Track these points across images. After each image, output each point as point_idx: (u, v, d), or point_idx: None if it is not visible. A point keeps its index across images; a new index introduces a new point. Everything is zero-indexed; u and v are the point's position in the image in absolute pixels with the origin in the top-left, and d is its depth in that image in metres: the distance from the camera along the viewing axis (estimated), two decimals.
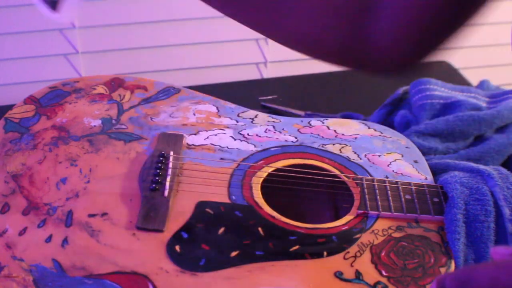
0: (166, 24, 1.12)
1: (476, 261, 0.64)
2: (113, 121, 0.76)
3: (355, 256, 0.63)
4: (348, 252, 0.64)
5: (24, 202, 0.65)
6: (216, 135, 0.76)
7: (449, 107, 0.90)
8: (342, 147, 0.76)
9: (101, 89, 0.80)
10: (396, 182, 0.71)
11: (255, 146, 0.75)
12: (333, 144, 0.77)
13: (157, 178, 0.68)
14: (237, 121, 0.78)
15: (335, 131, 0.79)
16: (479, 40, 1.24)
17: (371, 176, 0.73)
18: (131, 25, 1.11)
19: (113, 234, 0.63)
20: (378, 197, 0.69)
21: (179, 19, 1.12)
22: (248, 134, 0.77)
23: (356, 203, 0.69)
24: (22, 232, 0.62)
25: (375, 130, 0.80)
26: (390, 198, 0.69)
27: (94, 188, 0.67)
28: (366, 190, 0.70)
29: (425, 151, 0.81)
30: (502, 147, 0.83)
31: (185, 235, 0.63)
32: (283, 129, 0.78)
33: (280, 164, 0.73)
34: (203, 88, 0.87)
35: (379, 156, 0.76)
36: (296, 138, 0.77)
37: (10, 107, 0.77)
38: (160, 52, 1.15)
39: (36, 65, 1.09)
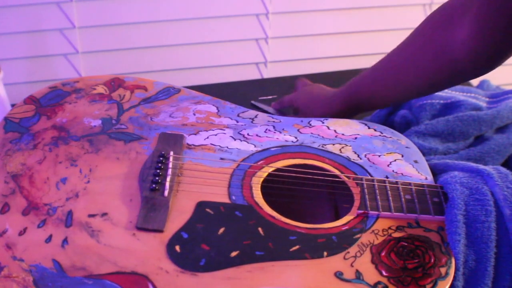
0: (166, 24, 1.12)
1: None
2: (113, 121, 0.76)
3: (355, 256, 0.63)
4: (348, 252, 0.63)
5: (24, 202, 0.65)
6: (216, 135, 0.76)
7: (449, 107, 0.90)
8: (342, 147, 0.76)
9: (101, 89, 0.80)
10: (396, 182, 0.71)
11: (255, 146, 0.75)
12: (333, 144, 0.77)
13: (157, 178, 0.68)
14: (237, 121, 0.78)
15: (335, 131, 0.79)
16: None
17: (371, 176, 0.73)
18: (131, 25, 1.11)
19: (113, 234, 0.63)
20: (378, 197, 0.69)
21: (179, 19, 1.12)
22: (248, 134, 0.77)
23: (356, 203, 0.69)
24: (22, 232, 0.62)
25: (375, 130, 0.80)
26: (390, 198, 0.69)
27: (94, 188, 0.67)
28: (366, 190, 0.70)
29: (425, 152, 0.81)
30: (502, 147, 0.83)
31: (185, 235, 0.63)
32: (283, 129, 0.78)
33: (280, 164, 0.73)
34: (203, 88, 0.87)
35: (379, 156, 0.76)
36: (296, 138, 0.77)
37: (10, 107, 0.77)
38: (160, 52, 1.15)
39: (36, 65, 1.09)
